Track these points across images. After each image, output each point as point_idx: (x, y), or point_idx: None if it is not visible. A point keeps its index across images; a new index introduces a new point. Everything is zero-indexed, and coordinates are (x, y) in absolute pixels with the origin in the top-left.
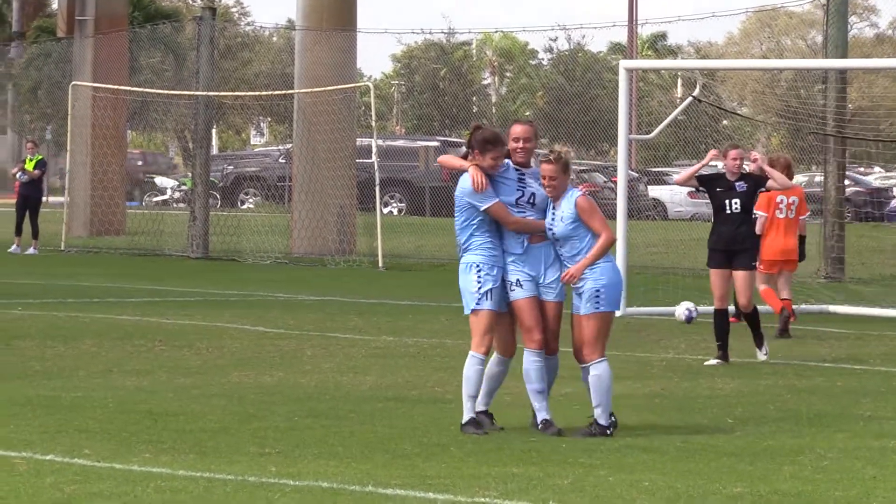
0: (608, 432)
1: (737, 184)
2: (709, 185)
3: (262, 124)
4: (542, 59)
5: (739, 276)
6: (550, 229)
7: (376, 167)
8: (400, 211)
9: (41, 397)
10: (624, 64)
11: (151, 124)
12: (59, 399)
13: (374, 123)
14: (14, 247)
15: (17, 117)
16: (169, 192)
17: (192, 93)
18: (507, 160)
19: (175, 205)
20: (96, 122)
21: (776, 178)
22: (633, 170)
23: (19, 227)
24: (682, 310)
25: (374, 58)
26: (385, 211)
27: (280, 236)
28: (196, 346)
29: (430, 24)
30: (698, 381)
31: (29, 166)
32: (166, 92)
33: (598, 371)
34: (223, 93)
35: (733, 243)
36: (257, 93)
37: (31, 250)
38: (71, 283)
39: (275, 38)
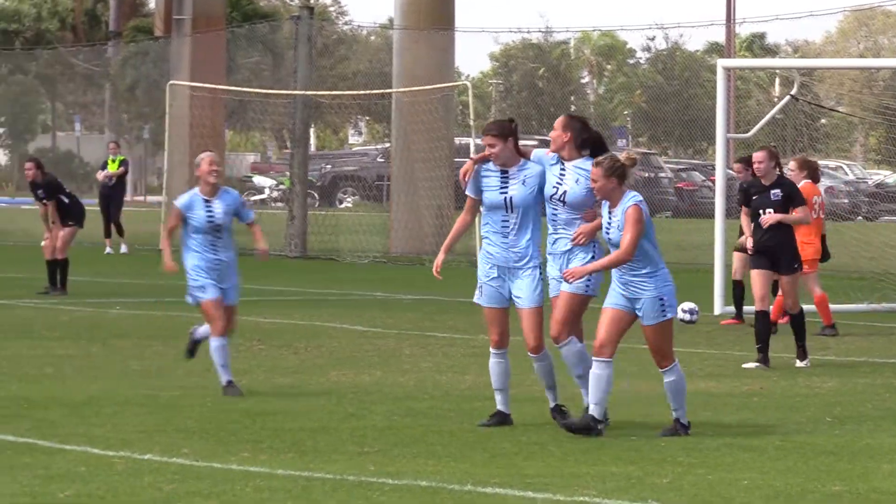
0: (598, 427)
1: (772, 192)
2: (746, 195)
3: (359, 123)
4: (640, 59)
5: (784, 280)
6: (607, 233)
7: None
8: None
9: (140, 396)
10: (722, 63)
11: (249, 124)
12: (158, 398)
13: (472, 122)
14: (108, 249)
15: (114, 117)
16: (267, 191)
17: (289, 92)
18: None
19: (273, 204)
20: (194, 122)
21: (794, 220)
22: (731, 169)
23: (108, 229)
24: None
25: (472, 57)
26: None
27: (378, 235)
28: (294, 346)
29: (527, 23)
30: (796, 379)
31: (112, 167)
32: (264, 91)
33: (672, 377)
34: (321, 92)
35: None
36: (355, 92)
37: (122, 249)
38: (169, 282)
39: (372, 38)
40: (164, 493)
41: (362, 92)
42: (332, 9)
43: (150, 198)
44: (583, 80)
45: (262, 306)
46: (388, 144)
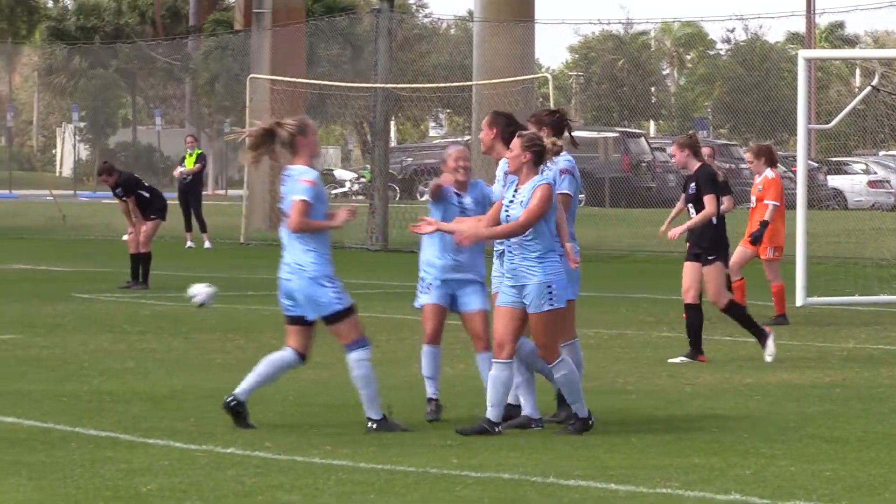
0: (496, 430)
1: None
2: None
3: (440, 116)
4: (720, 50)
5: (704, 271)
6: (507, 211)
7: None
8: (580, 202)
9: (222, 390)
10: (803, 54)
11: (330, 117)
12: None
13: None
14: (189, 243)
15: (194, 110)
16: (348, 184)
17: (370, 85)
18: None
19: (354, 197)
20: (274, 115)
21: (695, 223)
22: (812, 160)
23: (188, 222)
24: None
25: (552, 49)
26: None
27: None
28: (376, 339)
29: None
30: (879, 370)
31: (189, 161)
32: (344, 84)
33: (562, 371)
34: (401, 85)
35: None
36: (435, 84)
37: (206, 244)
38: (250, 275)
39: (452, 30)
40: (246, 487)
41: (442, 84)
42: (411, 1)
43: (230, 192)
44: (663, 72)
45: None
46: (468, 137)
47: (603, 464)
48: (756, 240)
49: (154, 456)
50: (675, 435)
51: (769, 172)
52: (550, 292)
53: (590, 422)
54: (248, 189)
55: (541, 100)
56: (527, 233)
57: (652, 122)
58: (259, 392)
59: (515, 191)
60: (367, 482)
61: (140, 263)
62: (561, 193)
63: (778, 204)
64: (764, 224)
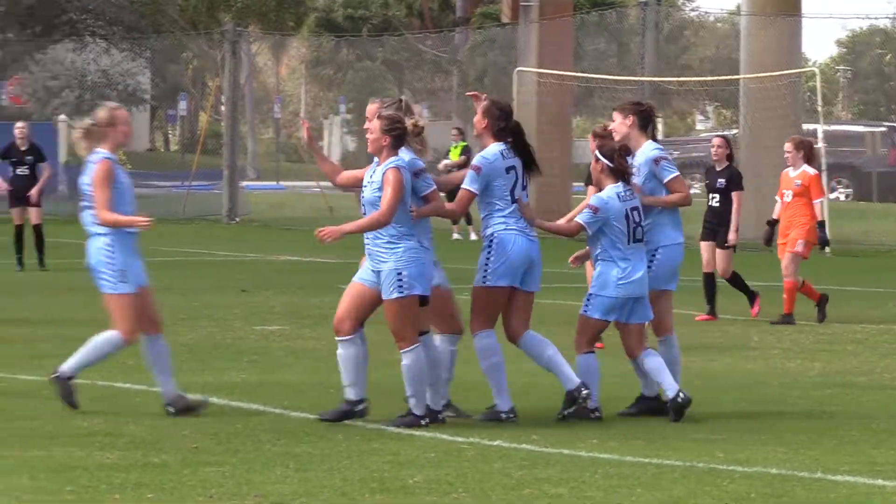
0: (358, 408)
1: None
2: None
3: (707, 109)
4: None
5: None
6: (363, 191)
7: (823, 153)
8: (847, 196)
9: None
10: None
11: (596, 110)
12: (510, 385)
13: (820, 109)
14: (455, 234)
15: (461, 103)
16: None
17: (637, 78)
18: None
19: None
20: (541, 108)
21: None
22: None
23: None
24: None
25: (819, 43)
26: (832, 196)
27: None
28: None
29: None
30: None
31: (454, 154)
32: (611, 77)
33: (407, 360)
34: (668, 78)
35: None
36: (702, 78)
37: (472, 236)
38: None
39: (719, 24)
40: (513, 480)
41: (709, 78)
42: None
43: None
44: None
45: None
46: (735, 131)
47: (870, 459)
48: (824, 243)
49: (421, 448)
50: None
51: (808, 168)
52: (400, 279)
53: (422, 421)
54: None
55: (808, 94)
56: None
57: None
58: (527, 385)
59: (373, 172)
60: (633, 476)
61: None
62: (671, 180)
63: (823, 200)
64: (821, 224)
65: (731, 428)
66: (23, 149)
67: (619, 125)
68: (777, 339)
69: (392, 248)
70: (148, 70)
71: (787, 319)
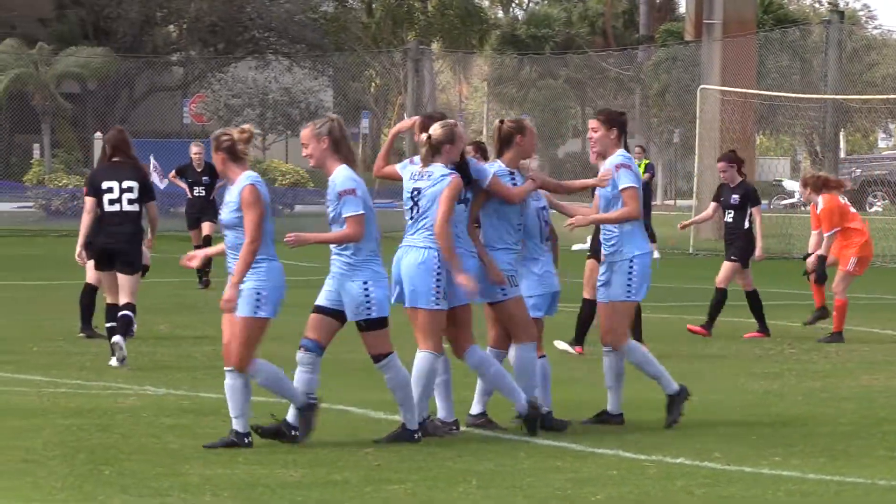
0: (245, 441)
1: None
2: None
3: (889, 127)
4: None
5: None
6: (220, 213)
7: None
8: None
9: (661, 401)
10: None
11: (779, 127)
12: (689, 402)
13: None
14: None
15: (643, 121)
16: (797, 195)
17: (820, 96)
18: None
19: (803, 208)
20: (724, 126)
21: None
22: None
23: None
24: None
25: None
26: None
27: None
28: (824, 350)
29: None
30: None
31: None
32: (794, 95)
33: (230, 381)
34: (851, 96)
35: None
36: (885, 96)
37: (655, 255)
38: (696, 286)
39: None
40: (695, 498)
41: (892, 96)
42: (861, 13)
43: (679, 202)
44: None
45: (790, 310)
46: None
47: None
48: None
49: (602, 466)
50: None
51: (821, 200)
52: (258, 300)
53: (246, 439)
54: (697, 199)
55: None
56: (237, 236)
57: None
58: (706, 402)
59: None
60: (815, 493)
61: None
62: (626, 189)
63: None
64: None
65: None
66: (198, 170)
67: (602, 136)
68: None
69: (255, 268)
70: (330, 88)
71: (836, 338)
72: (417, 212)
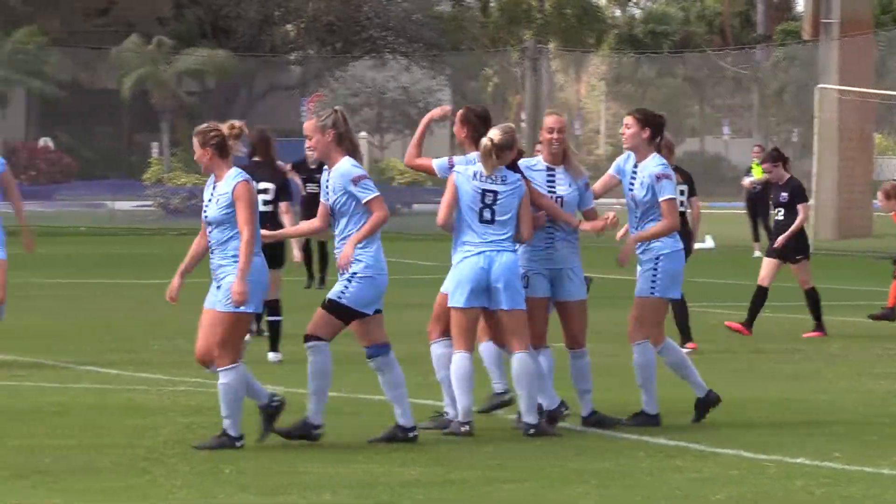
0: (237, 445)
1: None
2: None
3: None
4: None
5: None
6: (204, 211)
7: None
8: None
9: (790, 401)
10: None
11: None
12: (809, 401)
13: None
14: (756, 252)
15: (761, 120)
16: None
17: None
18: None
19: None
20: (842, 126)
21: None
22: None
23: (755, 232)
24: None
25: None
26: None
27: None
28: None
29: None
30: None
31: (756, 171)
32: None
33: (225, 379)
34: None
35: None
36: None
37: (709, 245)
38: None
39: None
40: (815, 498)
41: None
42: None
43: None
44: None
45: None
46: None
47: None
48: None
49: (723, 465)
50: None
51: None
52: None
53: (237, 444)
54: (815, 199)
55: None
56: (223, 232)
57: None
58: (826, 402)
59: (214, 186)
60: None
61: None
62: (666, 200)
63: None
64: None
65: None
66: (313, 167)
67: (633, 135)
68: None
69: (235, 262)
70: (448, 87)
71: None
72: (493, 214)
